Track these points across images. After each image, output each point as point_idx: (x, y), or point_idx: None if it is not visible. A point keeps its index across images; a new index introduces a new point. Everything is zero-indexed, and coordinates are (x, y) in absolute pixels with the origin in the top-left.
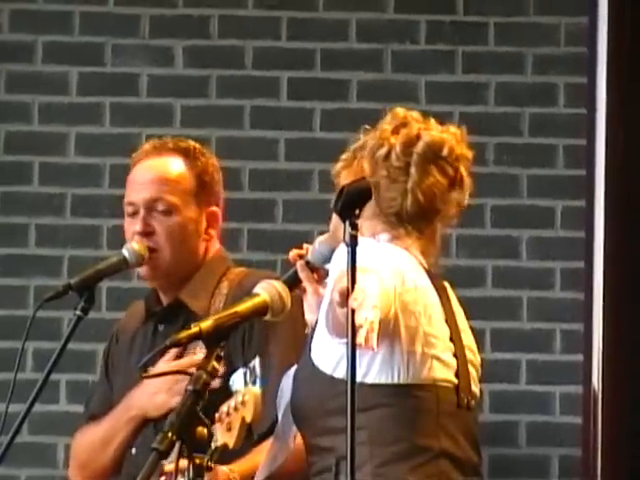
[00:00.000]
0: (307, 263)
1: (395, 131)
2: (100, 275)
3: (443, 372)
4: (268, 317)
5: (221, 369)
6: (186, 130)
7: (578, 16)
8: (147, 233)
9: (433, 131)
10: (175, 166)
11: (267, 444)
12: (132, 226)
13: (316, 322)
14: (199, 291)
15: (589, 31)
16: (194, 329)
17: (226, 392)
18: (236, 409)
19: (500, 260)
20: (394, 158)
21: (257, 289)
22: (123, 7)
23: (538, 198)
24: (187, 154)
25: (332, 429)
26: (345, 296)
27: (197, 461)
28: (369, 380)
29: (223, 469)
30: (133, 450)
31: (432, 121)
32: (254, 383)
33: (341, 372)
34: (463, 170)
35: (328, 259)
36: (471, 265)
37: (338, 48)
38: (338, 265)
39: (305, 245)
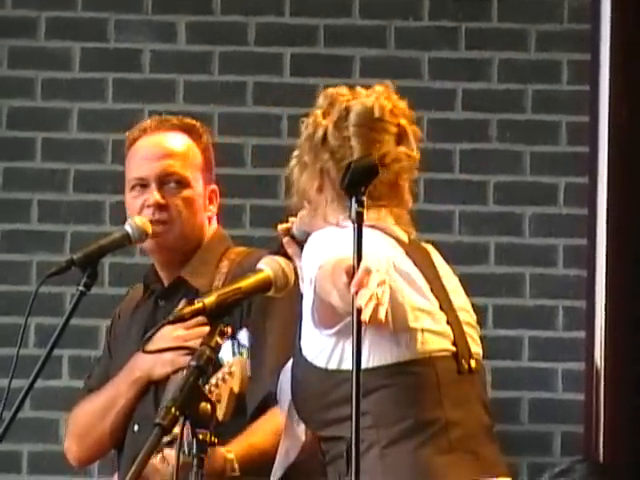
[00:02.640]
0: (293, 237)
1: (326, 113)
2: (103, 251)
3: (438, 342)
4: (271, 293)
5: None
6: (189, 106)
7: None
8: (161, 206)
9: (360, 98)
10: (183, 141)
11: (262, 422)
12: (138, 200)
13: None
14: (200, 269)
15: (592, 7)
16: (197, 304)
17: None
18: (224, 380)
19: (503, 237)
20: (332, 138)
21: (260, 264)
22: None
23: (541, 175)
24: (191, 131)
25: (337, 419)
26: (351, 275)
27: (200, 437)
28: (365, 365)
29: (220, 450)
30: (135, 427)
31: (358, 89)
32: (241, 354)
33: (334, 363)
34: (403, 121)
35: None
36: (474, 242)
37: (341, 24)
38: (311, 257)
39: (291, 219)
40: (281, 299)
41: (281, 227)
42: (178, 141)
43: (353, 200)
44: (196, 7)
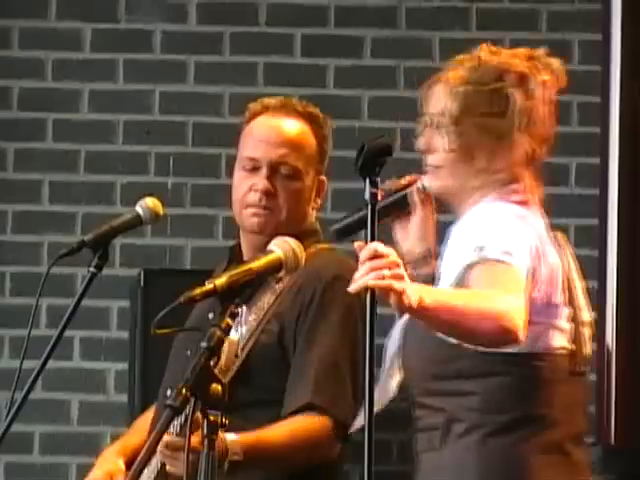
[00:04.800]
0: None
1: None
2: (114, 232)
3: (560, 340)
4: (282, 274)
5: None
6: (200, 87)
7: None
8: (270, 193)
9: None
10: (303, 130)
11: (283, 422)
12: (248, 181)
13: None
14: None
15: None
16: (208, 286)
17: None
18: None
19: None
20: (535, 113)
21: (271, 246)
22: None
23: (552, 156)
24: (314, 120)
25: (444, 391)
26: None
27: (211, 418)
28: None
29: (222, 437)
30: (188, 352)
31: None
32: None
33: None
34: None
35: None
36: None
37: (352, 5)
38: (494, 236)
39: (407, 177)
40: (337, 307)
41: (408, 178)
42: (298, 130)
43: (367, 181)
44: None
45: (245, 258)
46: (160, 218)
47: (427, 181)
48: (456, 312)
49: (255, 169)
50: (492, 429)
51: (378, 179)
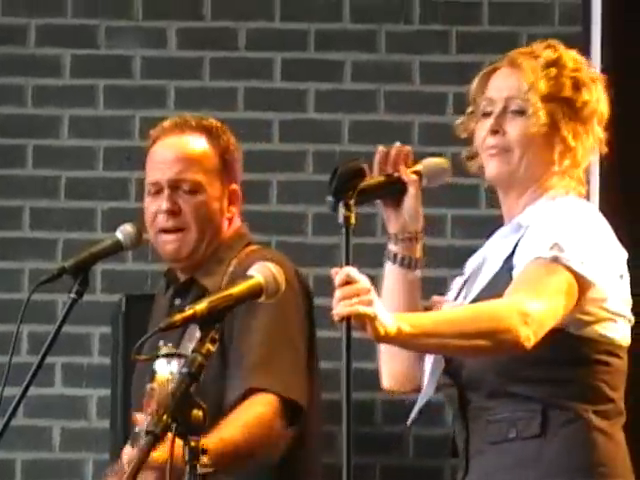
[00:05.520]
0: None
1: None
2: (94, 258)
3: (628, 336)
4: (263, 299)
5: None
6: (180, 112)
7: None
8: (173, 212)
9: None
10: (199, 144)
11: (232, 416)
12: (154, 205)
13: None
14: (213, 268)
15: (583, 10)
16: (189, 311)
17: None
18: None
19: None
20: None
21: (251, 271)
22: None
23: None
24: (210, 132)
25: (529, 378)
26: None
27: (192, 444)
28: (590, 332)
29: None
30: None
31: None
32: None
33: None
34: None
35: (440, 179)
36: (467, 245)
37: (332, 29)
38: (576, 238)
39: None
40: (271, 303)
41: (397, 148)
42: (193, 144)
43: (340, 205)
44: (186, 13)
45: (178, 275)
46: (141, 243)
47: (493, 168)
48: (442, 337)
49: (158, 192)
50: (597, 419)
51: (352, 202)
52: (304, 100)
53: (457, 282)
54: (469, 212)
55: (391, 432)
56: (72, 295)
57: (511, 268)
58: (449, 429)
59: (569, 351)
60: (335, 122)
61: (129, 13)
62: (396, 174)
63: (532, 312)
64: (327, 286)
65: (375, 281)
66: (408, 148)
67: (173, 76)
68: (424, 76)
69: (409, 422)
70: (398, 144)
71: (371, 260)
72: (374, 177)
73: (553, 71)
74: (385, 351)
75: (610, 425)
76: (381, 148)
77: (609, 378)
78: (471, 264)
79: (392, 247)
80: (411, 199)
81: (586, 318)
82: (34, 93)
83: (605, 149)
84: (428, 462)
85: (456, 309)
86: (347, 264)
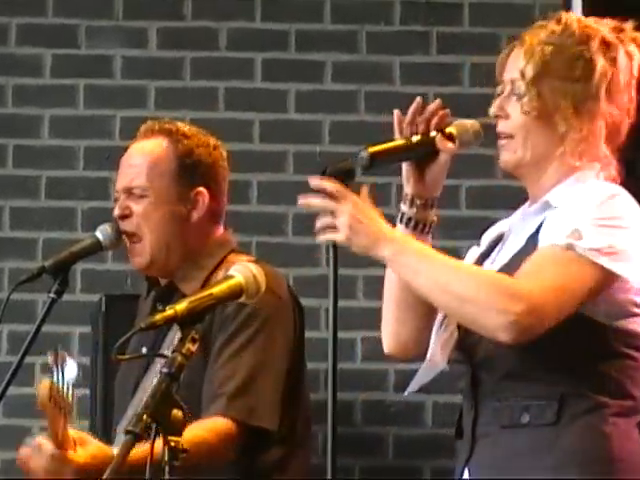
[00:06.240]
0: (450, 138)
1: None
2: (74, 257)
3: None
4: (243, 299)
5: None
6: (160, 112)
7: None
8: (123, 216)
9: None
10: (155, 149)
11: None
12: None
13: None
14: (192, 273)
15: (564, 7)
16: (169, 311)
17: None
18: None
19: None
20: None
21: (231, 271)
22: None
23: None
24: (169, 135)
25: (551, 364)
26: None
27: (172, 444)
28: (619, 325)
29: (64, 454)
30: (127, 396)
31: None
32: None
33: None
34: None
35: (470, 144)
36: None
37: (312, 29)
38: (607, 226)
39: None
40: (256, 323)
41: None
42: (148, 149)
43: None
44: (167, 13)
45: (162, 284)
46: (120, 244)
47: (502, 159)
48: (421, 284)
49: (117, 200)
50: (614, 411)
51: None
52: (285, 100)
53: (472, 252)
54: (449, 213)
55: (371, 433)
56: (52, 295)
57: (535, 247)
58: (429, 430)
59: (597, 342)
60: (316, 122)
61: (109, 13)
62: (432, 135)
63: (526, 300)
64: (308, 286)
65: None
66: (447, 110)
67: (154, 76)
68: (405, 77)
69: (407, 392)
70: (439, 101)
71: None
72: (406, 137)
73: (549, 48)
74: (392, 314)
75: (627, 422)
76: (418, 99)
77: (633, 374)
78: (489, 236)
79: (406, 210)
80: (440, 166)
81: (617, 310)
82: (14, 93)
83: (633, 116)
84: (408, 463)
85: (457, 263)
86: (335, 285)
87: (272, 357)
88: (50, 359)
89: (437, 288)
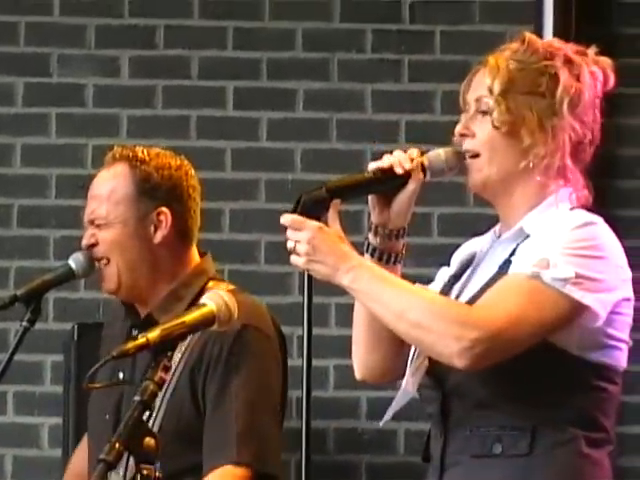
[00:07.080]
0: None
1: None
2: (47, 286)
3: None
4: (215, 327)
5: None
6: (132, 140)
7: (525, 24)
8: (90, 246)
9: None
10: (112, 177)
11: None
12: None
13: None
14: (170, 306)
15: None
16: (141, 340)
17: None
18: None
19: None
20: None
21: (204, 299)
22: (69, 17)
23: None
24: (129, 161)
25: (522, 395)
26: None
27: (145, 472)
28: (591, 357)
29: None
30: (107, 416)
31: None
32: None
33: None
34: None
35: (443, 173)
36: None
37: (284, 57)
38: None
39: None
40: (248, 361)
41: (412, 153)
42: (105, 179)
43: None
44: (139, 41)
45: (137, 308)
46: (93, 272)
47: (469, 180)
48: (379, 308)
49: (86, 229)
50: (587, 443)
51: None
52: (257, 129)
53: (442, 273)
54: (420, 241)
55: (344, 460)
56: (24, 323)
57: (506, 275)
58: (401, 457)
59: (568, 374)
60: (288, 151)
61: (81, 42)
62: (399, 169)
63: (481, 327)
64: (281, 314)
65: None
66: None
67: (125, 104)
68: (377, 105)
69: (383, 422)
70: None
71: None
72: (372, 171)
73: (514, 64)
74: (362, 341)
75: (599, 453)
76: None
77: (604, 406)
78: (458, 256)
79: (372, 240)
80: (407, 196)
81: (589, 341)
82: None
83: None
84: None
85: (416, 289)
86: (309, 316)
87: (267, 395)
88: None
89: (394, 316)
